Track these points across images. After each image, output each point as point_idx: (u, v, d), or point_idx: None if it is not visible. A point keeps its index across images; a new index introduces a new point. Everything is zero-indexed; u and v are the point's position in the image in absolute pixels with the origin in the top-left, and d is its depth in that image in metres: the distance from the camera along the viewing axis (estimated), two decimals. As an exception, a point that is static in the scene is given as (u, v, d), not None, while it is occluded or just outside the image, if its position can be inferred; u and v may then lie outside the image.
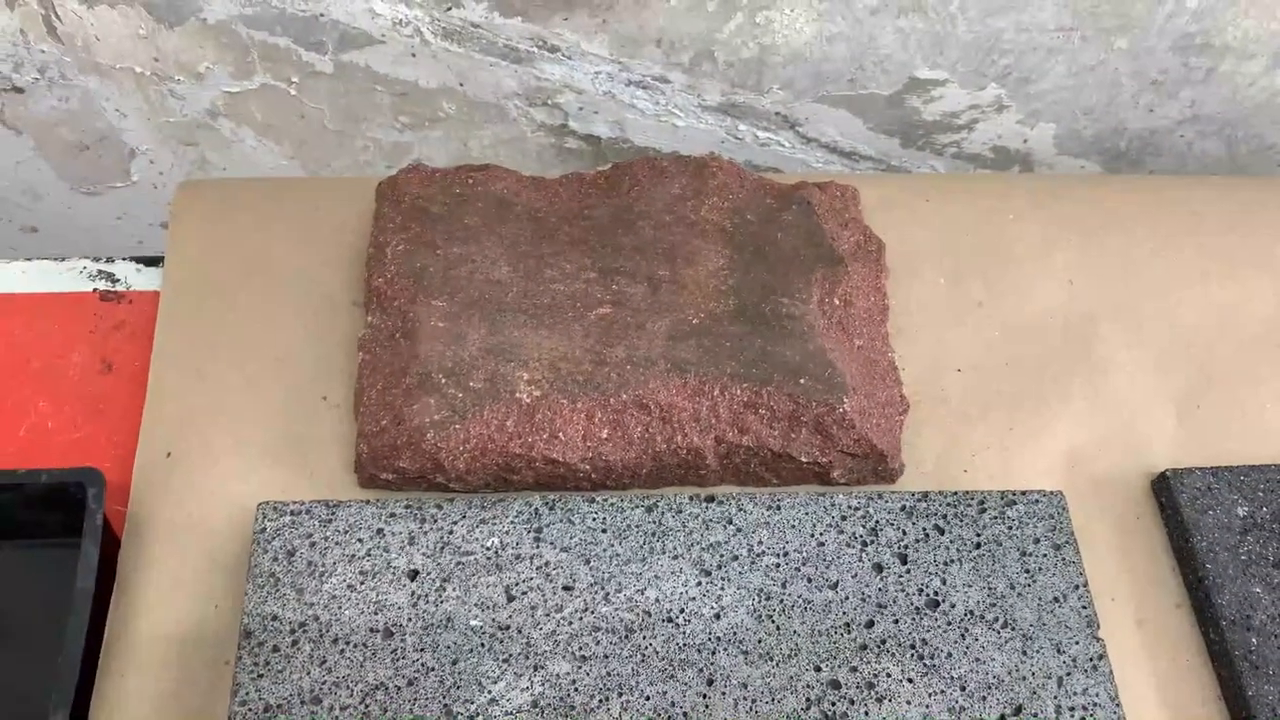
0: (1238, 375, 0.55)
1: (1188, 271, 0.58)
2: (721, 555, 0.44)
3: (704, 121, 0.74)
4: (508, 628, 0.42)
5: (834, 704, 0.41)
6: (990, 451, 0.52)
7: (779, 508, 0.46)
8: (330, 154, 0.74)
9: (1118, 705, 0.42)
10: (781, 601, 0.43)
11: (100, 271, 0.57)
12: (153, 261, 0.58)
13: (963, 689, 0.42)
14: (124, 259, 0.58)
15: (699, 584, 0.44)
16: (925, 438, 0.52)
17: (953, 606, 0.44)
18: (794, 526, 0.45)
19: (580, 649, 0.42)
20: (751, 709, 0.41)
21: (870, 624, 0.43)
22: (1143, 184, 0.63)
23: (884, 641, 0.43)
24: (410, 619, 0.42)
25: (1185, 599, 0.48)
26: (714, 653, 0.42)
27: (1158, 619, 0.48)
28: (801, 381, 0.48)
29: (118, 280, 0.57)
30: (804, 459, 0.48)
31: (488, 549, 0.44)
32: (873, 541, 0.45)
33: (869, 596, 0.44)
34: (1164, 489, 0.50)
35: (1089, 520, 0.50)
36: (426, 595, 0.42)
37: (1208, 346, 0.56)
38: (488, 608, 0.42)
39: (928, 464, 0.51)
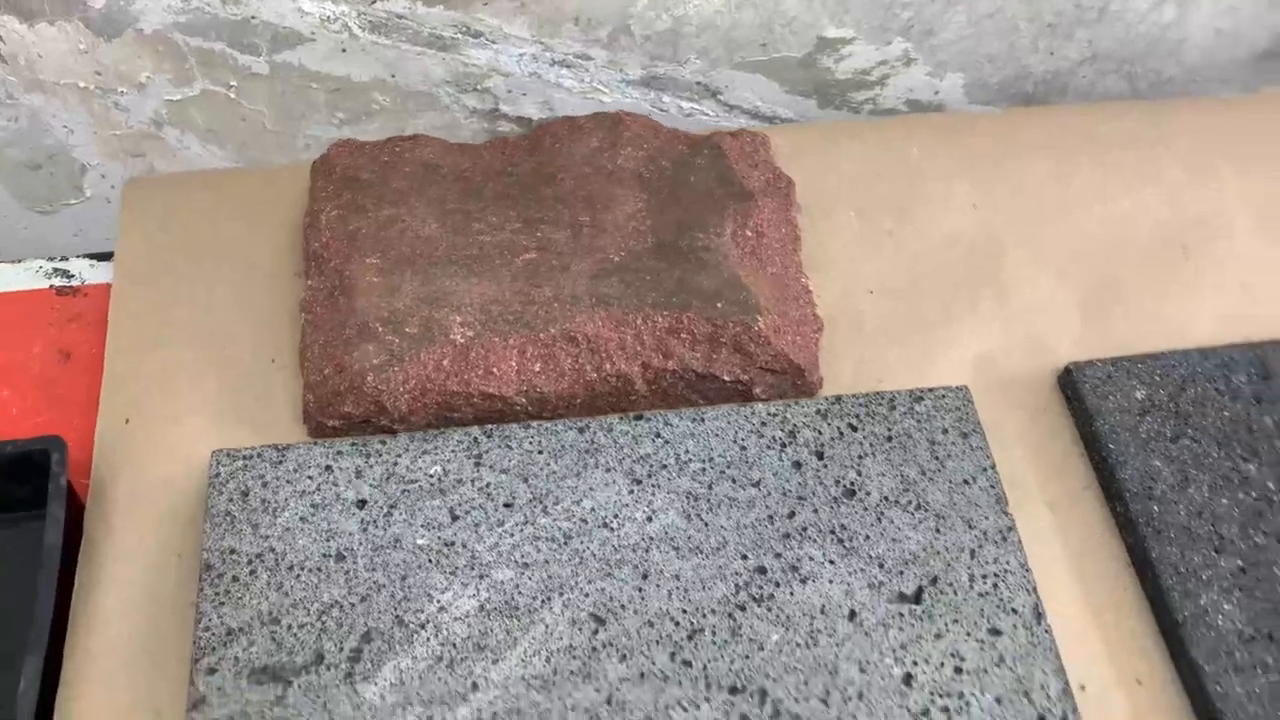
0: (1135, 278, 0.58)
1: (1086, 190, 0.62)
2: (651, 465, 0.47)
3: (629, 96, 0.77)
4: (453, 544, 0.45)
5: (761, 587, 0.44)
6: (904, 363, 0.55)
7: (703, 420, 0.49)
8: (272, 154, 0.77)
9: (1027, 571, 0.45)
10: (708, 501, 0.46)
11: (56, 269, 0.60)
12: (105, 257, 0.61)
13: (881, 566, 0.45)
14: (78, 256, 0.61)
15: (631, 492, 0.46)
16: (842, 355, 0.55)
17: (868, 494, 0.47)
18: (718, 435, 0.48)
19: (522, 557, 0.45)
20: (685, 597, 0.44)
21: (791, 515, 0.46)
22: (1041, 114, 0.67)
23: (805, 529, 0.46)
24: (360, 543, 0.45)
25: (1093, 481, 0.52)
26: (647, 551, 0.45)
27: (1068, 501, 0.51)
28: (718, 305, 0.51)
29: (73, 276, 0.60)
30: (726, 378, 0.51)
31: (431, 476, 0.46)
32: (791, 443, 0.48)
33: (790, 491, 0.47)
34: (1068, 381, 0.53)
35: (1001, 418, 0.53)
36: (375, 521, 0.45)
37: (1107, 255, 0.59)
38: (433, 527, 0.45)
39: (845, 378, 0.54)
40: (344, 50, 0.71)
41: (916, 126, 0.66)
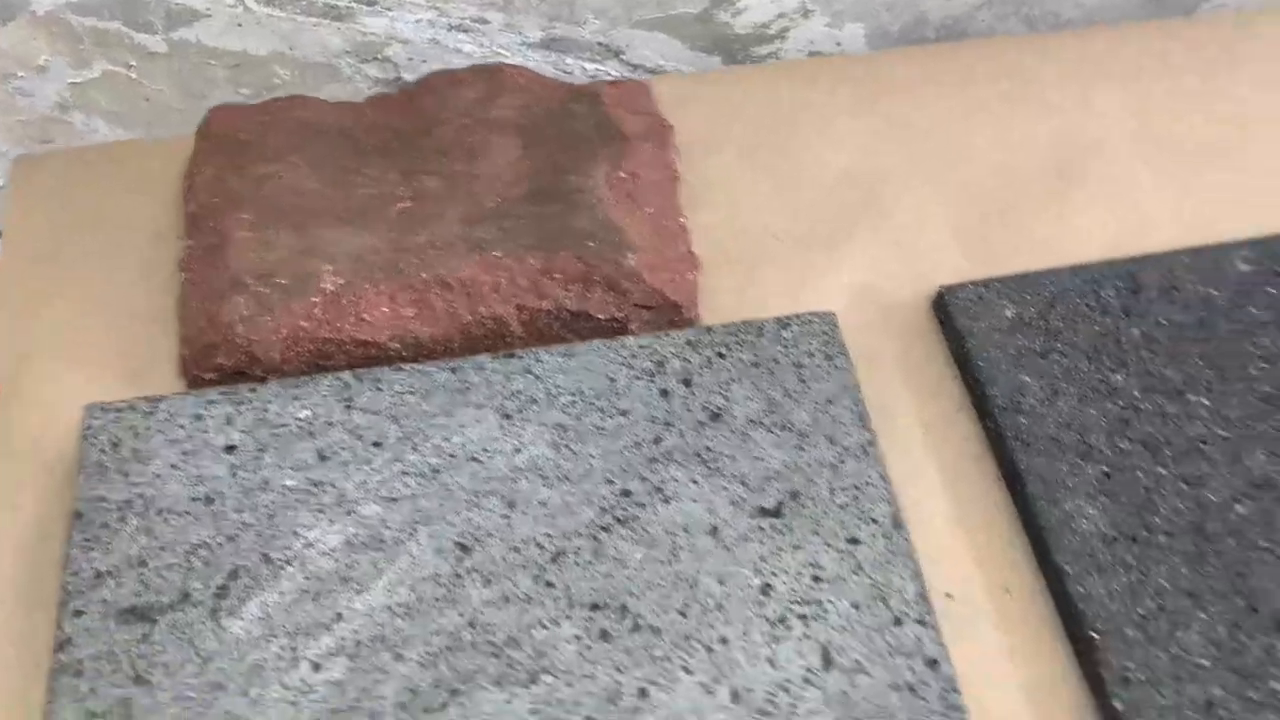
0: (1013, 204, 0.59)
1: (967, 122, 0.62)
2: (521, 400, 0.48)
3: (531, 59, 0.78)
4: (321, 483, 0.45)
5: (625, 509, 0.45)
6: (783, 295, 0.55)
7: (574, 355, 0.49)
8: (178, 133, 0.78)
9: (886, 483, 0.46)
10: (576, 432, 0.47)
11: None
12: (3, 236, 0.61)
13: (744, 484, 0.46)
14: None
15: (501, 426, 0.47)
16: (722, 291, 0.56)
17: (734, 417, 0.48)
18: (588, 369, 0.49)
19: (389, 493, 0.45)
20: (551, 523, 0.45)
21: (658, 440, 0.47)
22: (920, 53, 0.68)
23: (671, 453, 0.46)
24: (229, 487, 0.45)
25: (966, 400, 0.52)
26: (515, 481, 0.46)
27: (942, 421, 0.52)
28: (590, 245, 0.52)
29: (-28, 258, 0.60)
30: (602, 316, 0.52)
31: (300, 420, 0.47)
32: (659, 372, 0.49)
33: (657, 418, 0.48)
34: (941, 305, 0.54)
35: (878, 343, 0.54)
36: (244, 465, 0.46)
37: (986, 183, 0.60)
38: (302, 469, 0.46)
39: (725, 313, 0.55)
40: (240, 25, 0.71)
41: (802, 70, 0.67)
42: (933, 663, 0.42)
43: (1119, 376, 0.51)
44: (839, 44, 0.79)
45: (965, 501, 0.49)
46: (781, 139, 0.62)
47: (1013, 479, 0.49)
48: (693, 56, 0.79)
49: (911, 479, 0.50)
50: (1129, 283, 0.54)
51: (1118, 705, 0.43)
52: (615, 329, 0.53)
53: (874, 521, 0.45)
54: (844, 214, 0.59)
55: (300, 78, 0.76)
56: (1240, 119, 0.62)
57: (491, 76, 0.58)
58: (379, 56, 0.75)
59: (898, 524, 0.45)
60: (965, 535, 0.48)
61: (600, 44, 0.77)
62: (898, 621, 0.43)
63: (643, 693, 0.41)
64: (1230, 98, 0.63)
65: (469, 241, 0.52)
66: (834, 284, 0.56)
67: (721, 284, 0.56)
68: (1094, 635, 0.44)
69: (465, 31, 0.75)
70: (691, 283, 0.54)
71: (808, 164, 0.61)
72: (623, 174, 0.55)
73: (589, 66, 0.79)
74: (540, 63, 0.78)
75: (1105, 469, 0.48)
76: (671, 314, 0.53)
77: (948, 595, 0.47)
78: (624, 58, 0.78)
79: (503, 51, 0.77)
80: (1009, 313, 0.53)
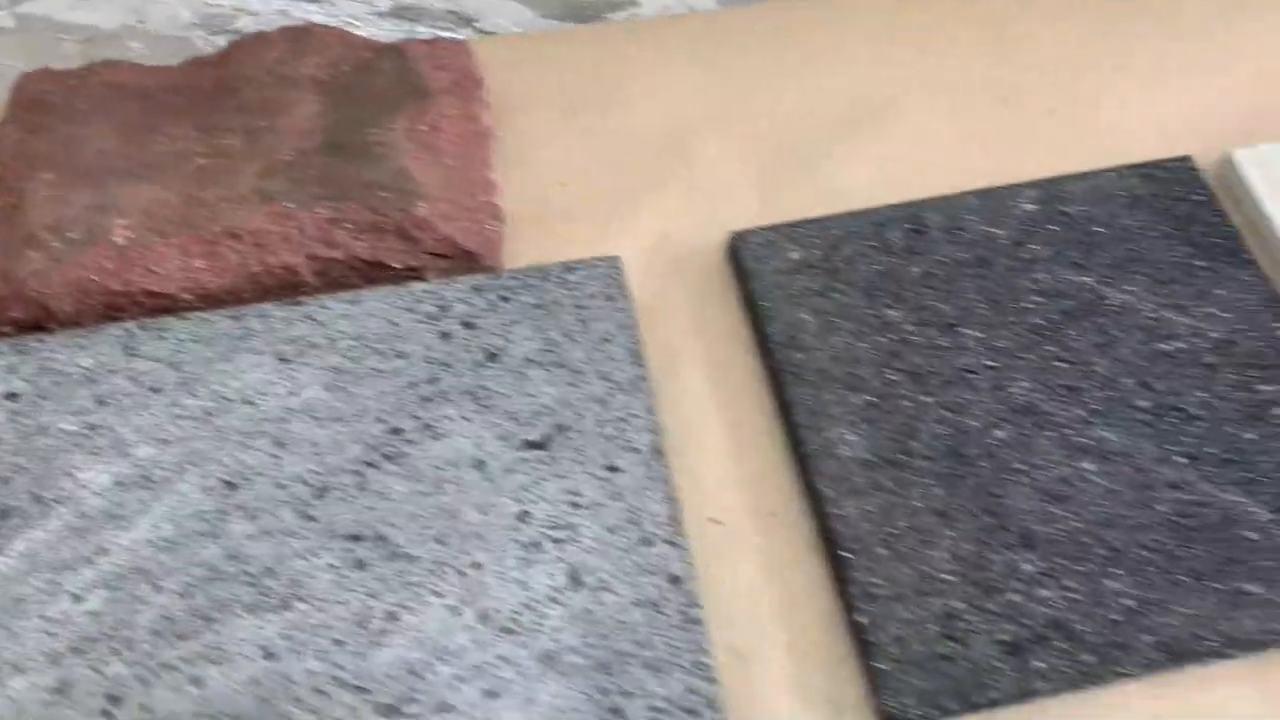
0: (813, 154, 0.60)
1: (775, 75, 0.64)
2: (301, 345, 0.49)
3: (383, 29, 0.79)
4: (97, 427, 0.46)
5: (394, 446, 0.46)
6: (588, 245, 0.57)
7: (360, 301, 0.51)
8: (27, 107, 0.78)
9: (652, 414, 0.48)
10: (354, 374, 0.48)
11: None
12: None
13: (513, 419, 0.47)
14: None
15: (277, 370, 0.48)
16: (529, 242, 0.57)
17: (511, 357, 0.49)
18: (372, 314, 0.50)
19: (163, 435, 0.46)
20: (319, 461, 0.46)
21: (433, 380, 0.48)
22: (759, 11, 0.69)
23: (445, 392, 0.48)
24: (8, 432, 0.46)
25: (751, 340, 0.54)
26: (287, 422, 0.47)
27: (727, 360, 0.53)
28: (382, 194, 0.53)
29: None
30: (396, 265, 0.53)
31: (83, 368, 0.48)
32: (442, 316, 0.50)
33: (434, 359, 0.49)
34: (733, 250, 0.56)
35: (674, 289, 0.55)
36: (24, 411, 0.47)
37: (785, 136, 0.61)
38: (80, 413, 0.47)
39: (528, 264, 0.56)
40: (87, -2, 0.72)
41: (633, 30, 0.68)
42: (675, 580, 0.43)
43: (894, 312, 0.53)
44: (690, 6, 0.81)
45: (741, 433, 0.51)
46: (601, 96, 0.63)
47: (784, 410, 0.51)
48: (546, 24, 0.80)
49: (691, 413, 0.51)
50: (914, 224, 0.56)
51: (861, 620, 0.44)
52: (412, 278, 0.54)
53: (635, 450, 0.46)
54: (651, 167, 0.60)
55: (154, 51, 0.76)
56: (1026, 68, 0.64)
57: (299, 36, 0.59)
58: (229, 29, 0.76)
59: (658, 452, 0.46)
60: (738, 464, 0.50)
61: (451, 12, 0.79)
62: (647, 542, 0.44)
63: (392, 616, 0.42)
64: (1018, 49, 0.65)
65: (261, 194, 0.53)
66: (637, 233, 0.58)
67: (529, 237, 0.57)
68: (845, 554, 0.46)
69: (314, 1, 0.76)
70: (493, 233, 0.55)
71: (622, 119, 0.62)
72: (423, 127, 0.57)
73: (443, 34, 0.80)
74: (393, 31, 0.79)
75: (871, 398, 0.50)
76: (469, 263, 0.54)
77: (716, 520, 0.48)
78: (477, 25, 0.80)
79: (354, 22, 0.78)
80: (794, 255, 0.55)
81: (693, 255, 0.57)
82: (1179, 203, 0.56)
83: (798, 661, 0.45)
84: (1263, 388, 0.50)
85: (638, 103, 0.63)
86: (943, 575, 0.45)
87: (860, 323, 0.53)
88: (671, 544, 0.44)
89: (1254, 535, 0.46)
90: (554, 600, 0.43)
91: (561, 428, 0.47)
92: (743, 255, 0.55)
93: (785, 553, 0.48)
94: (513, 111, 0.62)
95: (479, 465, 0.46)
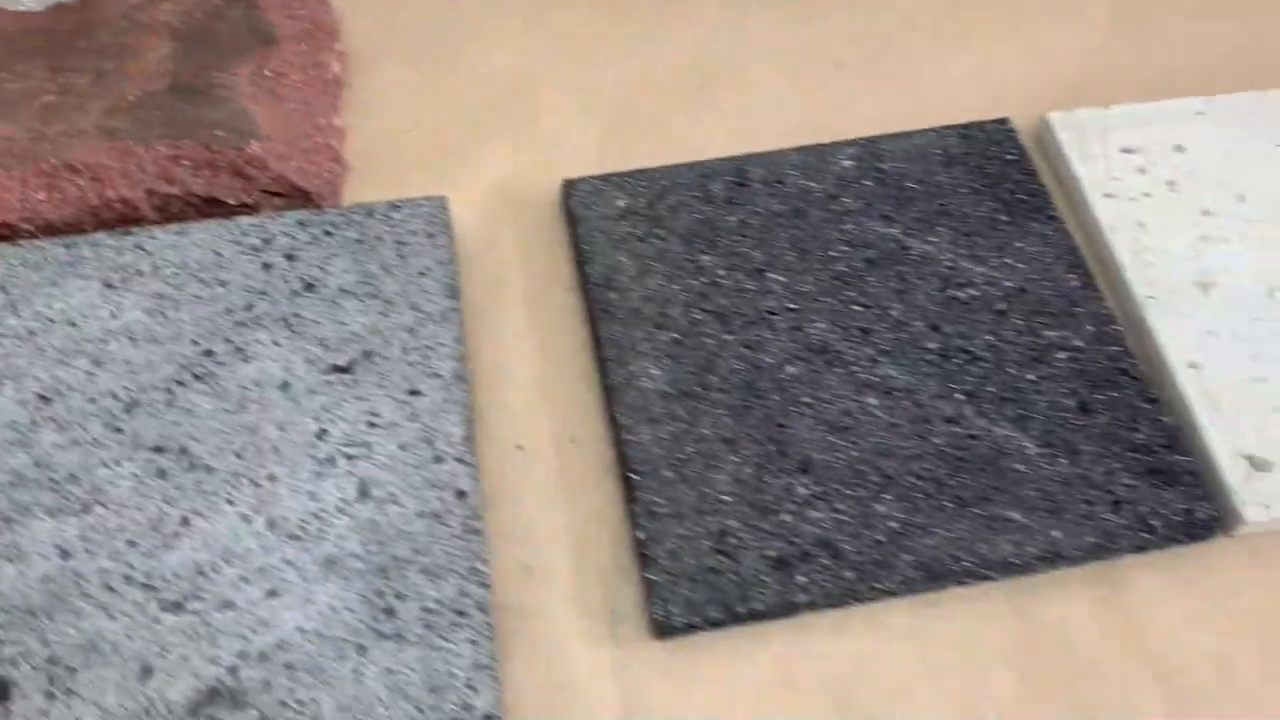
0: (654, 108, 0.63)
1: (619, 35, 0.66)
2: (127, 272, 0.51)
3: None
4: (-82, 345, 0.48)
5: (205, 367, 0.48)
6: (430, 189, 0.59)
7: (188, 233, 0.53)
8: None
9: (459, 344, 0.50)
10: (174, 300, 0.50)
11: None
12: None
13: (323, 345, 0.49)
14: None
15: (102, 295, 0.50)
16: (370, 187, 0.59)
17: (327, 287, 0.51)
18: (198, 245, 0.52)
19: (-17, 352, 0.48)
20: (133, 379, 0.48)
21: (249, 307, 0.50)
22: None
23: (259, 318, 0.50)
24: None
25: (574, 282, 0.56)
26: (106, 343, 0.49)
27: (548, 299, 0.56)
28: (217, 133, 0.55)
29: None
30: (231, 201, 0.55)
31: (-89, 290, 0.50)
32: (265, 248, 0.52)
33: (253, 288, 0.51)
34: (564, 196, 0.58)
35: (508, 233, 0.58)
36: None
37: (628, 92, 0.64)
38: (-97, 331, 0.49)
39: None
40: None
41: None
42: (461, 494, 0.46)
43: (708, 258, 0.55)
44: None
45: (553, 367, 0.53)
46: (452, 48, 0.66)
47: (596, 346, 0.53)
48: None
49: (508, 347, 0.54)
50: (737, 177, 0.58)
51: (640, 535, 0.47)
52: (247, 214, 0.56)
53: (437, 376, 0.49)
54: (496, 118, 0.62)
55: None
56: (863, 34, 0.66)
57: (155, -17, 0.61)
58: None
59: (460, 378, 0.49)
60: (547, 395, 0.52)
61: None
62: (438, 460, 0.46)
63: (185, 521, 0.44)
64: (856, 15, 0.67)
65: (104, 130, 0.55)
66: (476, 180, 0.60)
67: (372, 182, 0.60)
68: (633, 476, 0.48)
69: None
70: (331, 175, 0.58)
71: (471, 72, 0.64)
72: (268, 73, 0.59)
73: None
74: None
75: (676, 336, 0.53)
76: (304, 202, 0.56)
77: (518, 446, 0.51)
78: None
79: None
80: (621, 203, 0.57)
81: (528, 202, 0.59)
82: (992, 161, 0.59)
83: (582, 576, 0.47)
84: (1048, 333, 0.53)
85: (487, 56, 0.65)
86: (722, 497, 0.48)
87: (675, 266, 0.55)
88: (461, 462, 0.46)
89: (1020, 467, 0.49)
90: (341, 511, 0.45)
91: (368, 354, 0.49)
92: (572, 202, 0.57)
93: (582, 477, 0.50)
94: (366, 61, 0.64)
95: (284, 387, 0.48)
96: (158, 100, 0.57)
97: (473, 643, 0.42)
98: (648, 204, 0.57)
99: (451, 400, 0.48)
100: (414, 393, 0.48)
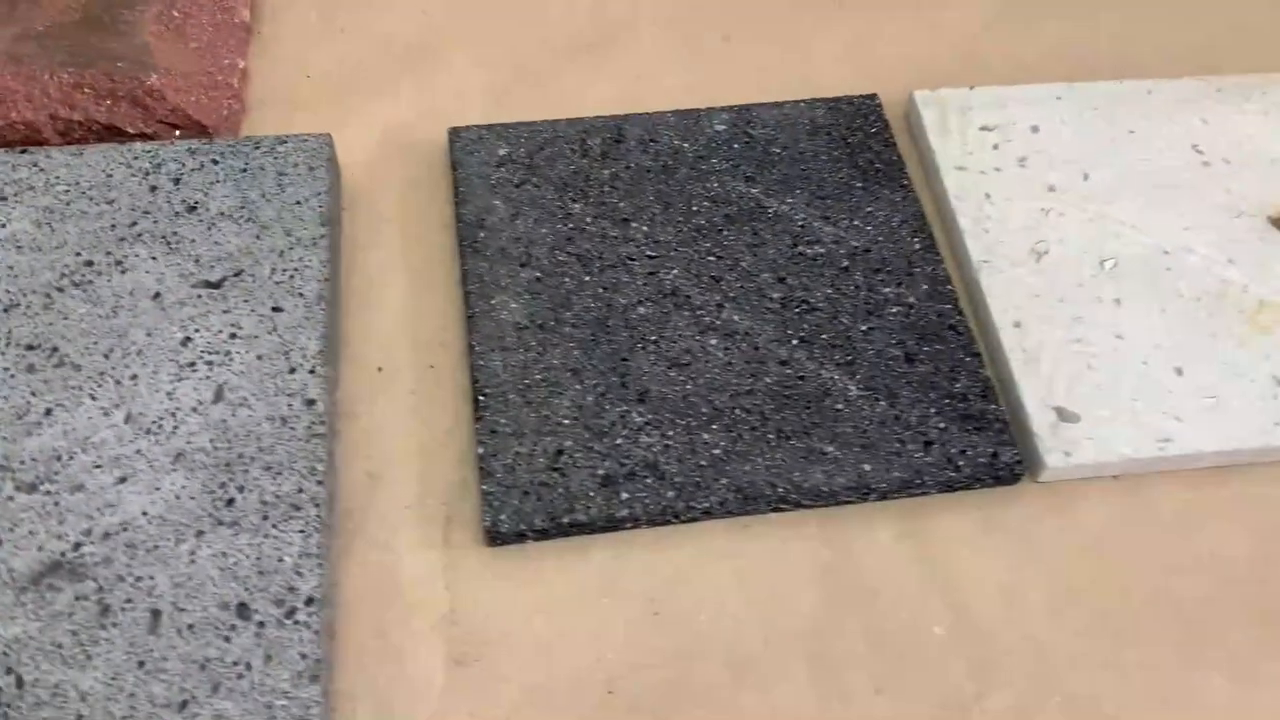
0: (545, 66, 0.66)
1: None
2: (20, 187, 0.54)
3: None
4: None
5: (84, 275, 0.52)
6: (326, 130, 0.62)
7: (82, 154, 0.56)
8: None
9: (325, 268, 0.53)
10: (62, 214, 0.53)
11: None
12: None
13: (197, 262, 0.53)
14: None
15: (-7, 206, 0.54)
16: (271, 126, 0.62)
17: (208, 210, 0.54)
18: (91, 166, 0.55)
19: (-126, 251, 0.51)
20: (14, 283, 0.51)
21: (133, 224, 0.54)
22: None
23: (140, 235, 0.53)
24: None
25: (451, 222, 0.60)
26: (-10, 251, 0.52)
27: (425, 236, 0.59)
28: (120, 65, 0.58)
29: None
30: (130, 130, 0.59)
31: None
32: (155, 172, 0.56)
33: (138, 207, 0.54)
34: (450, 143, 0.61)
35: (396, 175, 0.61)
36: None
37: (524, 50, 0.67)
38: None
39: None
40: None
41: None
42: (310, 402, 0.49)
43: (578, 206, 0.59)
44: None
45: (420, 297, 0.57)
46: (359, 1, 0.69)
47: (463, 280, 0.56)
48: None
49: (381, 277, 0.57)
50: (615, 135, 0.62)
51: (480, 450, 0.50)
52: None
53: (301, 295, 0.52)
54: (395, 68, 0.66)
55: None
56: (753, 7, 0.70)
57: (77, -76, 0.64)
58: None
59: (322, 299, 0.52)
60: (411, 323, 0.56)
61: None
62: (292, 371, 0.50)
63: (48, 412, 0.48)
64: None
65: (11, 56, 0.58)
66: (370, 125, 0.63)
67: (270, 121, 0.63)
68: (480, 398, 0.52)
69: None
70: (229, 112, 0.61)
71: (375, 23, 0.68)
72: (175, 13, 0.62)
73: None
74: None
75: (538, 274, 0.56)
76: (200, 135, 0.59)
77: (379, 369, 0.54)
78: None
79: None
80: (502, 151, 0.61)
81: (417, 147, 0.63)
82: (855, 133, 0.63)
83: (424, 486, 0.51)
84: (885, 290, 0.57)
85: (392, 8, 0.69)
86: (562, 420, 0.51)
87: (545, 212, 0.58)
88: (313, 374, 0.50)
89: (841, 406, 0.52)
90: (195, 411, 0.48)
91: (239, 272, 0.52)
92: (455, 148, 0.61)
93: (436, 399, 0.53)
94: (276, 9, 0.67)
95: (156, 297, 0.51)
96: (66, 31, 0.60)
97: (303, 533, 0.45)
98: (527, 154, 0.61)
99: (311, 319, 0.51)
100: (277, 309, 0.51)
